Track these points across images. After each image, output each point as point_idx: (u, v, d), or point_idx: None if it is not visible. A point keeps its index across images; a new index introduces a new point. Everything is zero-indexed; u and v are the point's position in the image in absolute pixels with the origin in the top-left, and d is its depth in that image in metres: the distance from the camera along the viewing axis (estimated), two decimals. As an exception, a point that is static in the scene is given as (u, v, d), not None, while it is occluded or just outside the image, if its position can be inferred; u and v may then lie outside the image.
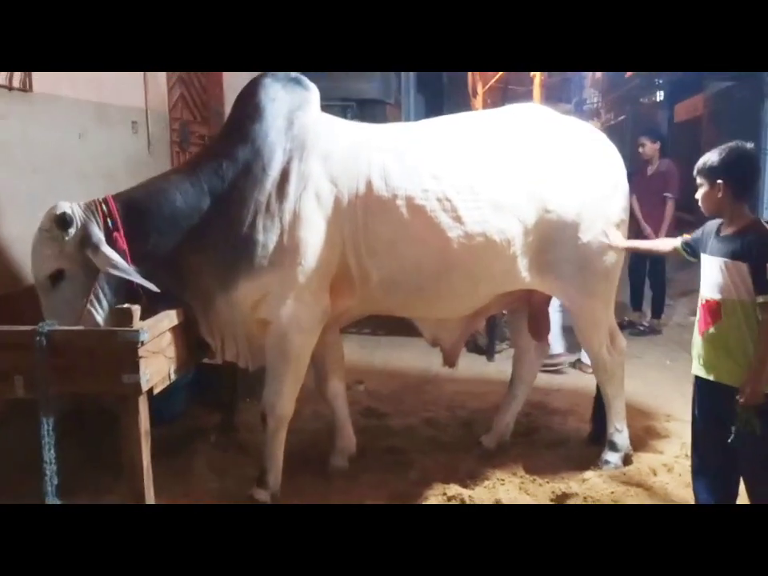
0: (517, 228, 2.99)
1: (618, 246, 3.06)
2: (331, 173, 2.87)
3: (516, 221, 2.98)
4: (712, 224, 2.55)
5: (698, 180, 2.49)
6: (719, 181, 2.41)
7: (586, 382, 4.22)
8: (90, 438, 3.35)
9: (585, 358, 4.67)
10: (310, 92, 3.01)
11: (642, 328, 6.11)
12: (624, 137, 16.92)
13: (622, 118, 19.74)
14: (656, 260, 6.03)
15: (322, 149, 2.89)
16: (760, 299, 2.31)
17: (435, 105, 13.17)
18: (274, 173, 2.81)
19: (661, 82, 16.57)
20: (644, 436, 3.70)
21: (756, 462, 2.41)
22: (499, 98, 25.38)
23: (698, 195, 2.51)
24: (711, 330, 2.45)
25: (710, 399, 2.51)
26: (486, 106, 24.55)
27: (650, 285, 6.26)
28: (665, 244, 2.85)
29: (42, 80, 3.48)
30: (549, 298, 3.44)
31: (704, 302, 2.48)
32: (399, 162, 2.92)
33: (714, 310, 2.43)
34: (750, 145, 2.45)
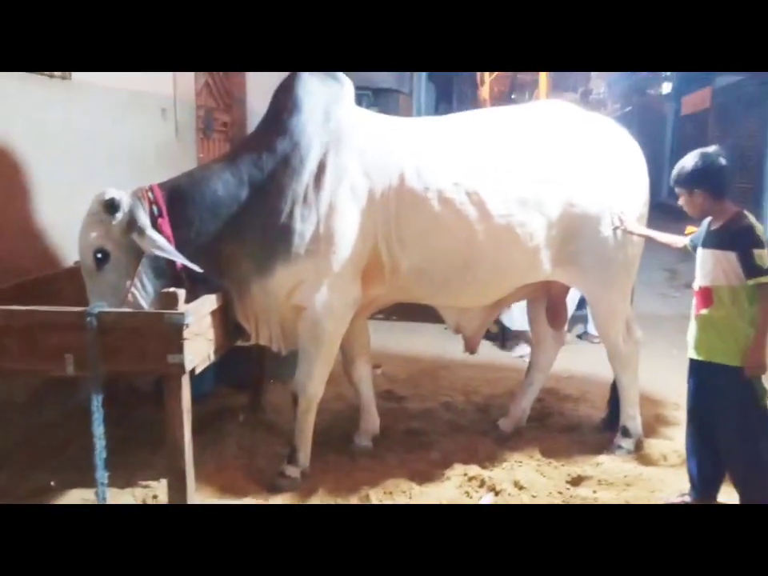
0: (540, 222, 3.11)
1: (633, 232, 3.15)
2: (366, 166, 2.98)
3: (540, 215, 3.10)
4: (707, 221, 2.77)
5: (677, 190, 2.73)
6: (696, 190, 2.65)
7: (597, 369, 4.35)
8: (123, 416, 3.49)
9: (591, 329, 4.79)
10: (345, 86, 3.12)
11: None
12: (630, 128, 17.00)
13: (629, 109, 19.75)
14: None
15: (357, 142, 3.01)
16: (751, 282, 2.55)
17: (445, 93, 13.31)
18: (311, 165, 2.92)
19: (668, 74, 16.61)
20: (654, 423, 3.83)
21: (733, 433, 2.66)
22: (506, 86, 25.39)
23: (681, 203, 2.75)
24: (704, 312, 2.69)
25: (702, 379, 2.74)
26: (492, 93, 24.56)
27: None
28: (677, 241, 2.99)
29: (80, 68, 3.58)
30: (567, 289, 3.56)
31: (697, 288, 2.72)
32: (431, 156, 3.03)
33: (706, 296, 2.68)
34: (714, 148, 2.70)
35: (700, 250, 2.74)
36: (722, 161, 2.68)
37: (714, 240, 2.67)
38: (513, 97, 19.96)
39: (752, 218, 2.63)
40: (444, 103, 12.63)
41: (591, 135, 3.25)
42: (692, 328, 2.77)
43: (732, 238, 2.60)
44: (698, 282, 2.73)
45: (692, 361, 2.78)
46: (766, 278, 2.53)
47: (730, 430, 2.67)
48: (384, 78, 7.48)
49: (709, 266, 2.67)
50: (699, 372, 2.76)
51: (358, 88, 7.10)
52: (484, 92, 20.00)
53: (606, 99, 24.76)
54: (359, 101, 7.21)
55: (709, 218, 2.75)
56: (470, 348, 3.56)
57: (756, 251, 2.53)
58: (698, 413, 2.79)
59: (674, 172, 2.73)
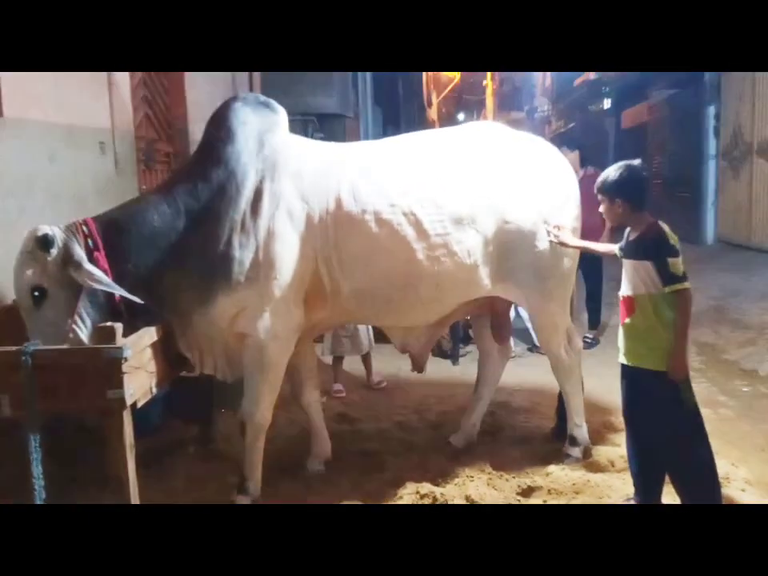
0: (476, 239, 3.18)
1: (567, 244, 3.24)
2: (302, 191, 3.02)
3: (475, 232, 3.17)
4: (627, 231, 2.90)
5: (599, 197, 2.85)
6: (617, 199, 2.78)
7: (546, 381, 4.43)
8: (69, 454, 3.42)
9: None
10: (279, 114, 3.16)
11: (588, 341, 5.81)
12: (574, 143, 17.44)
13: (572, 125, 20.29)
14: (592, 271, 5.90)
15: (293, 168, 3.04)
16: (667, 290, 2.66)
17: (392, 115, 13.47)
18: (247, 192, 2.94)
19: (608, 89, 17.14)
20: (602, 430, 3.91)
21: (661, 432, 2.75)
22: (453, 106, 25.90)
23: (601, 210, 2.88)
24: (627, 321, 2.81)
25: (632, 384, 2.85)
26: (440, 114, 25.02)
27: (586, 297, 6.15)
28: (612, 249, 3.10)
29: (12, 104, 3.55)
30: (510, 304, 3.64)
31: (621, 298, 2.84)
32: (367, 179, 3.09)
33: (629, 305, 2.79)
34: (637, 162, 2.83)
35: (623, 261, 2.86)
36: (644, 174, 2.82)
37: (632, 250, 2.80)
38: (461, 117, 20.32)
39: (666, 228, 2.74)
40: (391, 126, 12.77)
41: (521, 153, 3.35)
42: (620, 335, 2.88)
43: (647, 247, 2.72)
44: (622, 292, 2.85)
45: (622, 366, 2.89)
46: (681, 284, 2.65)
47: (662, 433, 2.75)
48: (327, 103, 7.55)
49: (629, 276, 2.79)
50: (629, 377, 2.85)
51: (302, 114, 7.24)
52: (432, 113, 20.29)
53: (551, 116, 25.40)
54: (304, 126, 7.30)
55: (628, 229, 2.86)
56: (418, 367, 3.60)
57: (670, 260, 2.65)
58: (632, 417, 2.89)
59: (599, 180, 2.85)
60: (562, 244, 3.24)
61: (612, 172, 2.81)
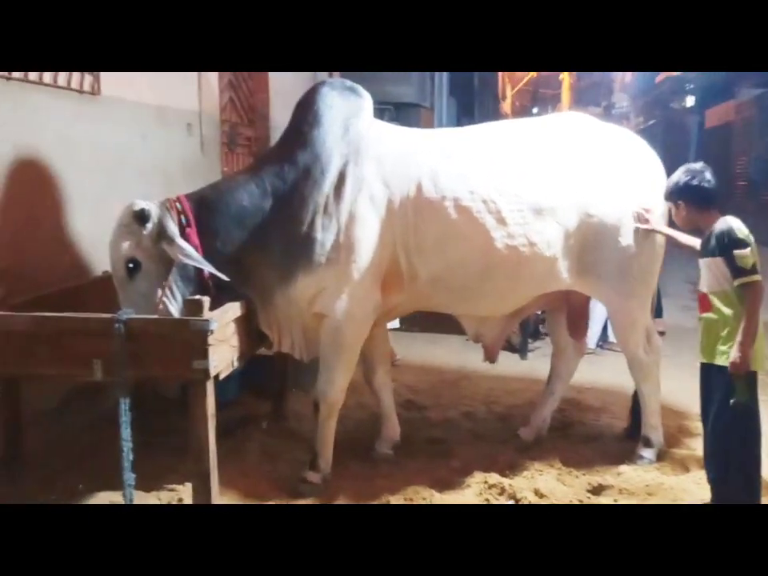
0: (557, 231, 3.14)
1: (657, 230, 3.19)
2: (384, 176, 3.04)
3: (556, 224, 3.13)
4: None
5: (667, 204, 2.91)
6: (680, 201, 2.79)
7: (617, 380, 4.34)
8: (149, 423, 3.56)
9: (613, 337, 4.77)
10: (364, 99, 3.19)
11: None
12: (655, 141, 16.93)
13: (653, 122, 19.67)
14: None
15: (376, 153, 3.07)
16: (736, 282, 2.62)
17: (467, 107, 13.37)
18: (331, 176, 2.99)
19: (692, 87, 16.51)
20: (677, 434, 3.80)
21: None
22: (528, 100, 25.45)
23: (673, 216, 2.89)
24: (703, 317, 2.78)
25: (704, 379, 2.82)
26: (514, 108, 24.65)
27: None
28: (693, 242, 3.03)
29: (109, 83, 3.71)
30: (587, 298, 3.57)
31: (698, 295, 2.83)
32: (447, 166, 3.09)
33: (705, 302, 2.77)
34: (699, 164, 2.81)
35: (699, 260, 2.84)
36: (706, 175, 2.77)
37: (704, 249, 2.77)
38: (535, 111, 19.97)
39: (732, 222, 2.69)
40: (466, 117, 12.67)
41: (608, 145, 3.28)
42: (699, 331, 2.85)
43: (715, 244, 2.69)
44: (699, 287, 2.83)
45: (701, 364, 2.85)
46: (747, 278, 2.59)
47: (709, 427, 2.75)
48: (405, 93, 7.56)
49: (704, 274, 2.77)
50: (703, 374, 2.82)
51: (379, 103, 7.26)
52: (506, 106, 20.04)
53: (629, 113, 24.65)
54: (381, 115, 7.31)
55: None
56: (490, 357, 3.58)
57: (736, 252, 2.60)
58: (705, 416, 2.83)
59: (666, 187, 2.88)
60: (652, 230, 3.19)
61: (674, 177, 2.84)
